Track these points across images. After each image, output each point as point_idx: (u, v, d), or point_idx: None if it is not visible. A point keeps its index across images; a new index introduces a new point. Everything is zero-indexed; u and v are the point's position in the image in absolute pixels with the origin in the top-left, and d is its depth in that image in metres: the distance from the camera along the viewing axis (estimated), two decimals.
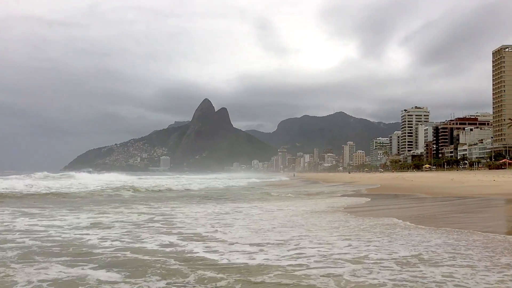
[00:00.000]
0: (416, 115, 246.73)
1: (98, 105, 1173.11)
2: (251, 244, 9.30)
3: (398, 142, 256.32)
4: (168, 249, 8.86)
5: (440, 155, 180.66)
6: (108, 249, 8.90)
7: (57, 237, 10.46)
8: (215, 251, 8.54)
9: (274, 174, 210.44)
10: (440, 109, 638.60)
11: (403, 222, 12.18)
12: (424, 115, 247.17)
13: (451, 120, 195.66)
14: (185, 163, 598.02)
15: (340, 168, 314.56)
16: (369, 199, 23.31)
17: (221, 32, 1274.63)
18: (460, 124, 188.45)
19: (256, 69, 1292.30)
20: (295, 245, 9.07)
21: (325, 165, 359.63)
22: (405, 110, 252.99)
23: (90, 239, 10.09)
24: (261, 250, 8.58)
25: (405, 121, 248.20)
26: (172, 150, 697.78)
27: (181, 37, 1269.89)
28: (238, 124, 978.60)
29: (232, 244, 9.39)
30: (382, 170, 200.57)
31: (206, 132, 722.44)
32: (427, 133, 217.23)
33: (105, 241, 9.81)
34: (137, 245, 9.32)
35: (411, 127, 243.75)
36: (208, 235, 10.55)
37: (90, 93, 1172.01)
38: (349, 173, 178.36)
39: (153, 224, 12.96)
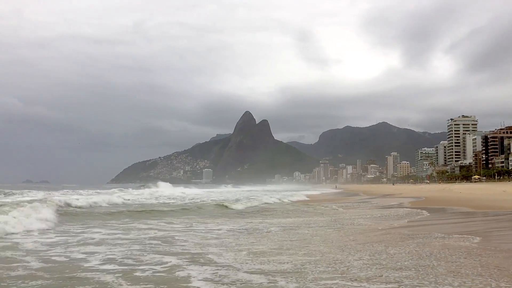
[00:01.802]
0: (463, 124, 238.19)
1: (143, 119, 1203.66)
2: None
3: (445, 152, 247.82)
4: None
5: (490, 166, 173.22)
6: None
7: None
8: None
9: (316, 186, 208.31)
10: (489, 118, 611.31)
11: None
12: (472, 124, 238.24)
13: (501, 129, 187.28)
14: (227, 176, 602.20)
15: (384, 179, 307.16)
16: (418, 214, 22.51)
17: (262, 45, 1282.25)
18: (510, 132, 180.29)
19: (297, 80, 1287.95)
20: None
21: (368, 176, 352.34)
22: (451, 119, 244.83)
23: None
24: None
25: (451, 130, 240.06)
26: (214, 162, 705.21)
27: (222, 51, 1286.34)
28: (279, 136, 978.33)
29: None
30: (428, 181, 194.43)
31: (247, 144, 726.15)
32: (475, 142, 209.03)
33: None
34: None
35: (458, 136, 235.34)
36: None
37: (135, 108, 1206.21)
38: (393, 184, 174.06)
39: None
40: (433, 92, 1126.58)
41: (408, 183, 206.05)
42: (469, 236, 12.69)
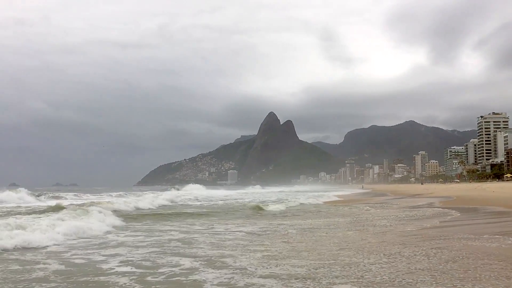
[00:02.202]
0: (494, 122, 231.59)
1: (168, 122, 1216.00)
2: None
3: (475, 150, 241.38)
4: None
5: None
6: None
7: None
8: None
9: (342, 187, 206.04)
10: None
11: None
12: (503, 121, 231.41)
13: None
14: (252, 177, 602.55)
15: (412, 179, 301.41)
16: (452, 214, 21.49)
17: (286, 45, 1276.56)
18: None
19: (321, 80, 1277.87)
20: None
21: (395, 176, 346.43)
22: (481, 116, 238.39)
23: None
24: None
25: (482, 128, 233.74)
26: (239, 164, 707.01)
27: (246, 52, 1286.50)
28: (304, 136, 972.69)
29: None
30: (458, 180, 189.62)
31: (272, 145, 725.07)
32: (507, 140, 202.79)
33: None
34: None
35: (489, 134, 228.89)
36: None
37: (160, 111, 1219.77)
38: (421, 184, 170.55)
39: None
40: (461, 89, 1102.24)
41: (437, 182, 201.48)
42: (501, 236, 11.99)
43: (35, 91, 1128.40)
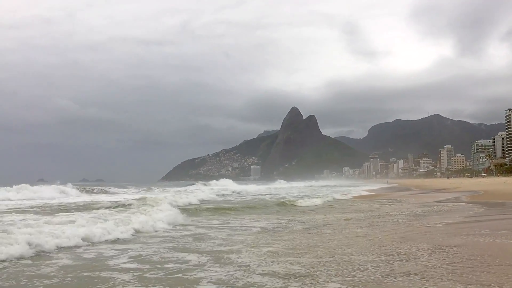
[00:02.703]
0: None
1: (192, 117, 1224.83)
2: None
3: (503, 144, 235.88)
4: None
5: None
6: None
7: None
8: None
9: (367, 181, 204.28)
10: None
11: None
12: None
13: None
14: (275, 172, 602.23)
15: (438, 173, 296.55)
16: (479, 209, 21.46)
17: (308, 40, 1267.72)
18: None
19: (345, 74, 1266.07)
20: None
21: (420, 170, 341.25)
22: (509, 109, 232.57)
23: None
24: None
25: (510, 121, 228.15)
26: (262, 159, 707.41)
27: (268, 47, 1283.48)
28: (327, 131, 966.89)
29: None
30: (485, 174, 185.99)
31: (295, 140, 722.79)
32: None
33: None
34: None
35: None
36: None
37: (183, 107, 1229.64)
38: (448, 178, 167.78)
39: None
40: (488, 82, 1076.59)
41: (463, 177, 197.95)
42: None
43: (61, 89, 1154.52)
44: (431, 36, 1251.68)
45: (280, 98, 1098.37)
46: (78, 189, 49.32)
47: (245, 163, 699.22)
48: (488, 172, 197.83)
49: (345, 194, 43.03)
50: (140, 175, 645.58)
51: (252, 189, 71.50)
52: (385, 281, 7.56)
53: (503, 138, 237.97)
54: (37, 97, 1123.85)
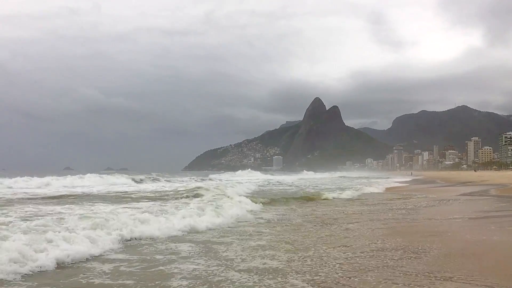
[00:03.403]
0: None
1: (214, 108, 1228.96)
2: None
3: None
4: None
5: None
6: None
7: None
8: None
9: (390, 173, 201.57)
10: None
11: None
12: None
13: None
14: (297, 163, 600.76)
15: (464, 166, 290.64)
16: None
17: (333, 29, 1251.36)
18: None
19: (370, 65, 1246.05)
20: None
21: (446, 163, 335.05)
22: None
23: None
24: None
25: None
26: (284, 149, 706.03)
27: (292, 37, 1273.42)
28: (351, 122, 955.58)
29: None
30: None
31: (317, 131, 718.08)
32: None
33: None
34: None
35: None
36: None
37: (207, 97, 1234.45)
38: (475, 171, 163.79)
39: None
40: None
41: (491, 170, 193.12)
42: None
43: (87, 79, 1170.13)
44: (460, 25, 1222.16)
45: (303, 88, 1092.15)
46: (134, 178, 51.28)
47: (267, 154, 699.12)
48: None
49: (376, 186, 42.15)
50: (163, 164, 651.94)
51: (289, 179, 71.32)
52: (342, 279, 7.39)
53: None
54: (64, 86, 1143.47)
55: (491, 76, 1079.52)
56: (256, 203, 21.30)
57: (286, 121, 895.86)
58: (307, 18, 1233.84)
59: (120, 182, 45.63)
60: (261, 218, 16.53)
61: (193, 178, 63.61)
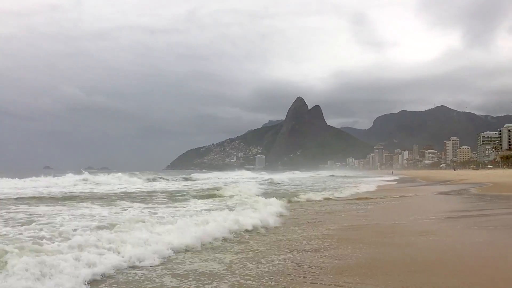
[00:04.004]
0: None
1: (197, 107, 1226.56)
2: None
3: (509, 136, 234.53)
4: None
5: None
6: None
7: None
8: None
9: (371, 172, 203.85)
10: None
11: None
12: None
13: None
14: (280, 162, 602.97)
15: (443, 165, 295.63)
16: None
17: (316, 29, 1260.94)
18: None
19: (352, 65, 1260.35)
20: None
21: (425, 162, 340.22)
22: None
23: None
24: None
25: None
26: (266, 149, 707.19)
27: (275, 37, 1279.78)
28: (333, 121, 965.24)
29: None
30: (491, 166, 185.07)
31: (299, 131, 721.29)
32: None
33: None
34: None
35: None
36: None
37: (189, 96, 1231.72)
38: (454, 170, 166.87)
39: None
40: (496, 74, 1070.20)
41: (469, 168, 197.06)
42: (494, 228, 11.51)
43: (68, 77, 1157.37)
44: (440, 26, 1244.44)
45: (286, 88, 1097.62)
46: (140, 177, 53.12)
47: (250, 153, 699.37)
48: (495, 164, 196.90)
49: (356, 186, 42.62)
50: (145, 163, 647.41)
51: (279, 178, 71.50)
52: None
53: (509, 130, 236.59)
54: (44, 84, 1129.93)
55: (470, 77, 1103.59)
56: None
57: (269, 120, 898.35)
58: (290, 18, 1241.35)
59: (139, 182, 47.75)
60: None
61: (182, 177, 63.93)
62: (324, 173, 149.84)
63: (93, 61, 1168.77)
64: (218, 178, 67.96)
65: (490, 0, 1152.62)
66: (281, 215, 16.39)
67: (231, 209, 16.86)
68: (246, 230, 12.61)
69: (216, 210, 16.43)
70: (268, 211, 16.25)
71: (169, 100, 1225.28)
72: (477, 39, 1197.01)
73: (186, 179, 59.85)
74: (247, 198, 21.68)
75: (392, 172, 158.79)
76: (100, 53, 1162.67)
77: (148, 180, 51.96)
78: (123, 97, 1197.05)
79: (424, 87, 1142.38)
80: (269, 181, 55.14)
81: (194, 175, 75.67)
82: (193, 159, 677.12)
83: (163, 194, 26.78)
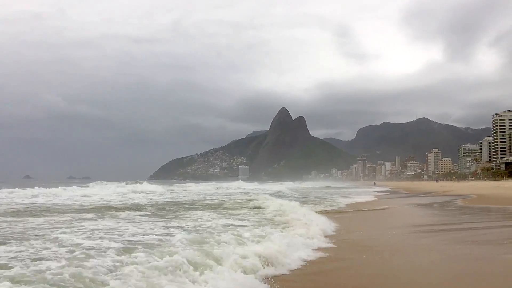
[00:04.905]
0: (509, 119, 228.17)
1: (181, 116, 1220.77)
2: None
3: (489, 148, 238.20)
4: None
5: None
6: None
7: None
8: None
9: (354, 183, 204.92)
10: None
11: None
12: None
13: None
14: (263, 172, 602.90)
15: (425, 176, 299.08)
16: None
17: (300, 41, 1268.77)
18: None
19: (335, 76, 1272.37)
20: None
21: (407, 173, 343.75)
22: (496, 114, 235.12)
23: None
24: None
25: (496, 126, 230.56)
26: (250, 159, 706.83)
27: (260, 48, 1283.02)
28: (316, 132, 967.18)
29: None
30: (472, 178, 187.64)
31: (283, 141, 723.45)
32: None
33: None
34: None
35: (504, 132, 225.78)
36: None
37: (174, 105, 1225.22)
38: (436, 181, 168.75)
39: None
40: (477, 87, 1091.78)
41: (450, 180, 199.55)
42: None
43: (50, 85, 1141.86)
44: (422, 40, 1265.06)
45: (270, 98, 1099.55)
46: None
47: (234, 163, 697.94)
48: (476, 176, 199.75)
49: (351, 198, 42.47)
50: (127, 173, 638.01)
51: (285, 188, 70.53)
52: None
53: (489, 143, 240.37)
54: (26, 92, 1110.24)
55: (451, 90, 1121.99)
56: None
57: (253, 131, 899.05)
58: (275, 29, 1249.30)
59: (159, 191, 45.70)
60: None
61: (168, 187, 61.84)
62: (317, 184, 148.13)
63: (76, 70, 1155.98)
64: (226, 189, 63.43)
65: (471, 15, 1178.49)
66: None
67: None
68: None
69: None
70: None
71: (153, 109, 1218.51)
72: (458, 53, 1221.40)
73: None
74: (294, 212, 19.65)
75: (375, 184, 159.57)
76: (84, 62, 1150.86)
77: (171, 190, 49.43)
78: (106, 106, 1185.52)
79: (407, 99, 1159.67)
80: (279, 193, 52.80)
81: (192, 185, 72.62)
82: (177, 169, 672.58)
83: (206, 203, 25.89)
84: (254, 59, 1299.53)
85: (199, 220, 15.92)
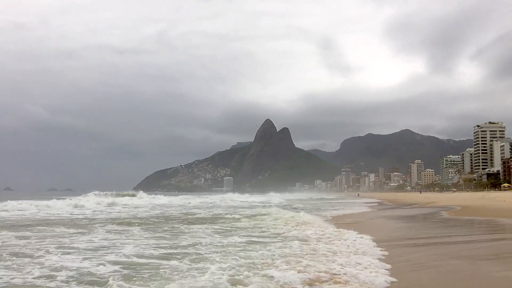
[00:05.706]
0: (490, 131, 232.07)
1: (165, 128, 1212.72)
2: None
3: (471, 159, 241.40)
4: None
5: None
6: None
7: None
8: None
9: (338, 195, 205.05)
10: None
11: None
12: (500, 131, 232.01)
13: None
14: (248, 184, 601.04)
15: (408, 187, 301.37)
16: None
17: (284, 53, 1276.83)
18: None
19: (319, 88, 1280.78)
20: None
21: (391, 184, 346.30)
22: (478, 125, 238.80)
23: None
24: None
25: (478, 137, 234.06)
26: (235, 170, 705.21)
27: (245, 59, 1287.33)
28: (301, 144, 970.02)
29: None
30: (455, 189, 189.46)
31: (268, 153, 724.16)
32: (503, 149, 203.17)
33: None
34: None
35: (485, 143, 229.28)
36: None
37: (158, 116, 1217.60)
38: (420, 192, 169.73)
39: None
40: (458, 99, 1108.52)
41: (433, 191, 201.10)
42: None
43: (33, 95, 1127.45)
44: (404, 53, 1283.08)
45: (254, 110, 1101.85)
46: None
47: (218, 175, 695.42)
48: (458, 187, 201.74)
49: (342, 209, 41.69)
50: (110, 184, 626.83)
51: (258, 199, 68.74)
52: None
53: (471, 154, 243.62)
54: (6, 103, 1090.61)
55: (433, 102, 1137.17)
56: None
57: (237, 142, 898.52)
58: (260, 41, 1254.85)
59: (176, 202, 47.70)
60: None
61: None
62: (304, 196, 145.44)
63: (59, 80, 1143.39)
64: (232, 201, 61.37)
65: (453, 28, 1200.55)
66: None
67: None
68: None
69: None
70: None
71: (137, 120, 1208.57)
72: (440, 65, 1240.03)
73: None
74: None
75: (358, 195, 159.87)
76: (67, 72, 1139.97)
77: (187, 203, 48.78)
78: (89, 116, 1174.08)
79: (390, 111, 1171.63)
80: (287, 205, 50.54)
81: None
82: (160, 180, 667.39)
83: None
84: (239, 71, 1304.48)
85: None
